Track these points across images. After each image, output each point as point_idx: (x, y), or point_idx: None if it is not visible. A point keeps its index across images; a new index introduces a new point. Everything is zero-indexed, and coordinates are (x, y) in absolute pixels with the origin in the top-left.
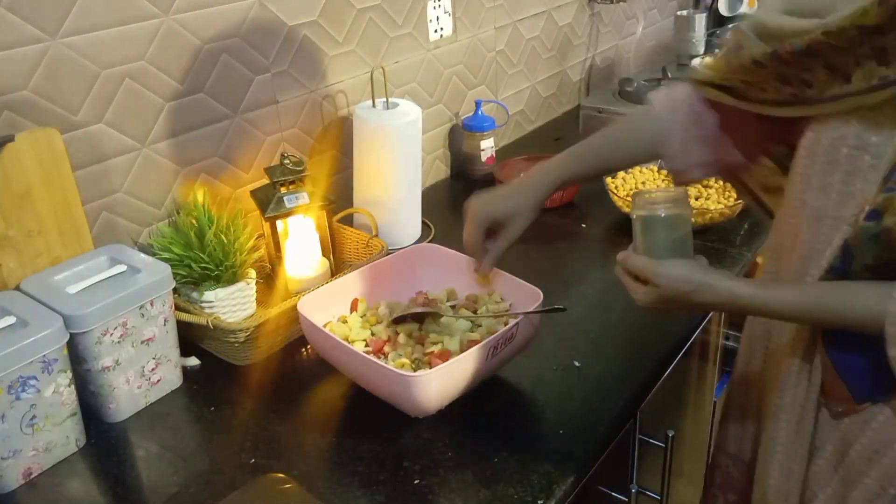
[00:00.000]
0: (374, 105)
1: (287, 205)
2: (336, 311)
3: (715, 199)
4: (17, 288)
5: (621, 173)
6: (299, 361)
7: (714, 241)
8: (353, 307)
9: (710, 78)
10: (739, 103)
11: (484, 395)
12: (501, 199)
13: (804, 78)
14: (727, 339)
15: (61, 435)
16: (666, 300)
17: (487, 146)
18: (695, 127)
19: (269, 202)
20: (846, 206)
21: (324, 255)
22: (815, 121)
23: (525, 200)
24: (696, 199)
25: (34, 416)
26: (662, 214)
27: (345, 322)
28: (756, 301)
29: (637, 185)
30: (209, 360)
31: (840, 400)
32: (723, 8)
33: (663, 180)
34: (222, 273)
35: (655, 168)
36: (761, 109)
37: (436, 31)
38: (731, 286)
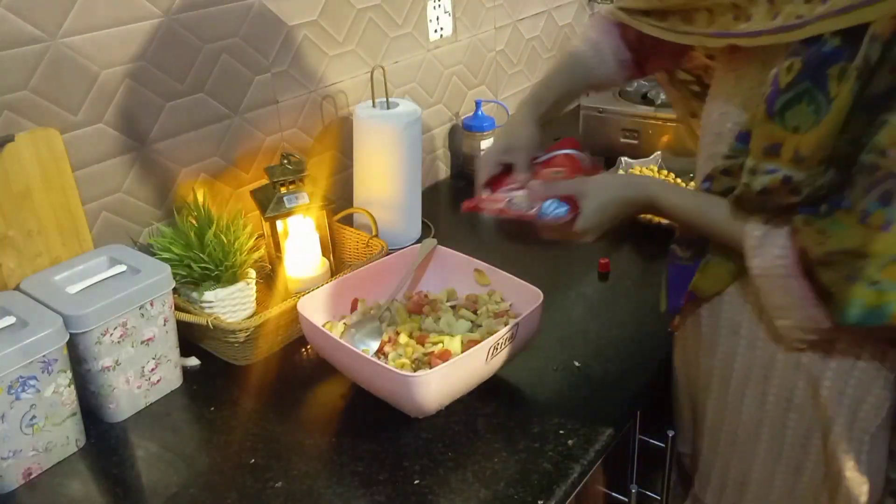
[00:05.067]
0: (374, 105)
1: (287, 205)
2: (336, 311)
3: None
4: (17, 288)
5: (621, 173)
6: (299, 361)
7: None
8: (353, 307)
9: (646, 5)
10: (660, 31)
11: (484, 395)
12: (497, 143)
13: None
14: None
15: (61, 435)
16: (601, 209)
17: (487, 146)
18: (605, 46)
19: (269, 202)
20: None
21: (324, 255)
22: (709, 96)
23: (518, 133)
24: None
25: (34, 416)
26: None
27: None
28: (661, 197)
29: None
30: (209, 360)
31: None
32: None
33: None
34: (222, 273)
35: (655, 168)
36: (677, 38)
37: (436, 31)
38: (642, 180)
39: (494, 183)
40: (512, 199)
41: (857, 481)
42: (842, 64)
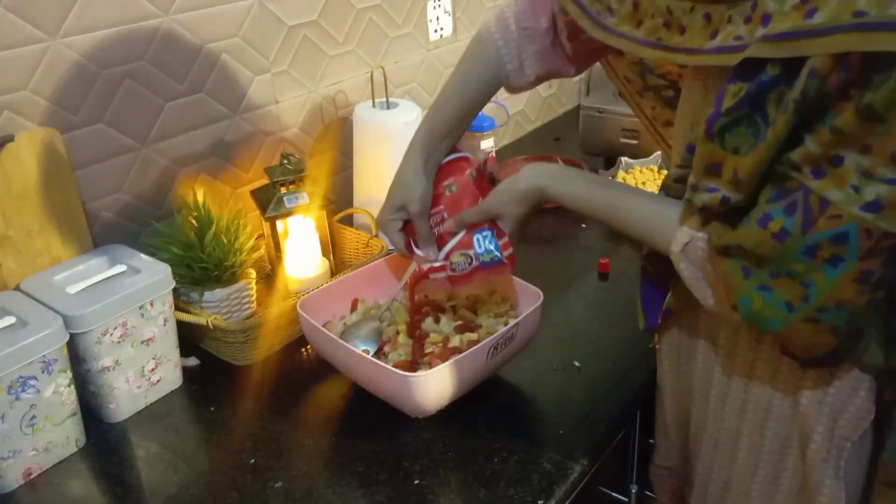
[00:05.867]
0: (373, 105)
1: (287, 205)
2: (336, 311)
3: None
4: (17, 288)
5: (621, 173)
6: (299, 361)
7: None
8: (353, 307)
9: None
10: (593, 27)
11: (484, 395)
12: (391, 202)
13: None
14: None
15: (61, 435)
16: (520, 224)
17: (487, 146)
18: (529, 44)
19: (269, 202)
20: None
21: (324, 255)
22: (679, 104)
23: (410, 187)
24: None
25: (34, 416)
26: None
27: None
28: (569, 196)
29: (637, 185)
30: (209, 360)
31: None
32: None
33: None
34: (222, 273)
35: (655, 168)
36: (627, 46)
37: (436, 31)
38: (552, 181)
39: (411, 236)
40: (450, 263)
41: (835, 493)
42: (780, 89)
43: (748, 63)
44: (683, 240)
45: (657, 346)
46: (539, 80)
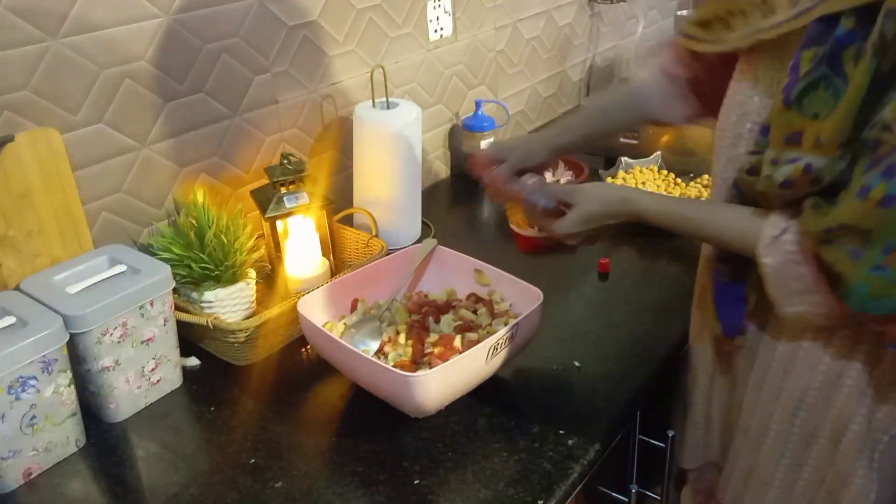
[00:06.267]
0: (373, 105)
1: (287, 205)
2: (336, 311)
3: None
4: (17, 288)
5: (621, 173)
6: (299, 361)
7: None
8: (353, 307)
9: (695, 17)
10: (705, 45)
11: (484, 395)
12: (505, 140)
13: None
14: None
15: (61, 435)
16: (586, 220)
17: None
18: (670, 86)
19: (269, 202)
20: None
21: (324, 255)
22: (726, 98)
23: (529, 145)
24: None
25: (34, 416)
26: None
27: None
28: (652, 209)
29: (637, 185)
30: (209, 360)
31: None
32: None
33: (663, 180)
34: (222, 273)
35: (655, 168)
36: (724, 46)
37: (436, 31)
38: (637, 194)
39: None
40: (530, 189)
41: (866, 486)
42: (857, 45)
43: (822, 25)
44: (771, 232)
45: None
46: (688, 119)
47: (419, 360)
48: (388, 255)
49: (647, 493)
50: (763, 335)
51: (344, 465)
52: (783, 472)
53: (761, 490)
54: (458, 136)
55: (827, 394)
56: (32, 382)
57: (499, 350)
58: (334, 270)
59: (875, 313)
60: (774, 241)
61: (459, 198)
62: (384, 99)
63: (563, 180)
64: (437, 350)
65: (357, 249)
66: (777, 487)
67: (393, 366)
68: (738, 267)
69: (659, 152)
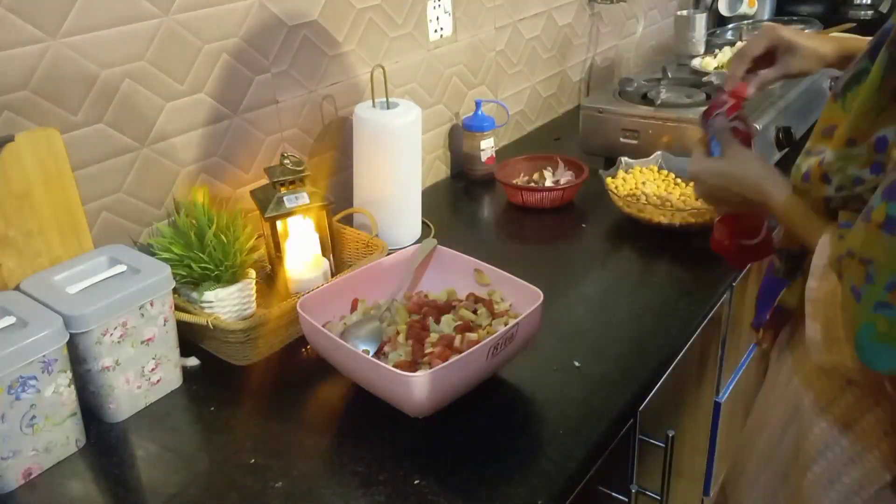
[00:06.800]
0: (373, 105)
1: (287, 205)
2: (336, 311)
3: None
4: (17, 288)
5: (621, 173)
6: (299, 361)
7: None
8: (353, 307)
9: None
10: None
11: (484, 395)
12: (800, 32)
13: None
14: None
15: (61, 435)
16: (718, 176)
17: (487, 146)
18: None
19: (269, 202)
20: None
21: (324, 255)
22: None
23: (819, 45)
24: (697, 198)
25: (34, 416)
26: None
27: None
28: (776, 205)
29: (637, 185)
30: (209, 360)
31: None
32: (723, 8)
33: (663, 180)
34: (222, 273)
35: (655, 168)
36: None
37: (436, 31)
38: (777, 191)
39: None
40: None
41: None
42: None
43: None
44: (825, 250)
45: (762, 346)
46: None
47: (419, 361)
48: (388, 255)
49: (647, 493)
50: (781, 344)
51: (344, 465)
52: (767, 478)
53: (743, 492)
54: (458, 136)
55: (806, 424)
56: (32, 382)
57: (499, 350)
58: (334, 270)
59: (881, 369)
60: (824, 268)
61: (459, 198)
62: (384, 99)
63: (563, 180)
64: (436, 350)
65: (357, 249)
66: (760, 492)
67: (393, 366)
68: (791, 270)
69: (659, 152)
